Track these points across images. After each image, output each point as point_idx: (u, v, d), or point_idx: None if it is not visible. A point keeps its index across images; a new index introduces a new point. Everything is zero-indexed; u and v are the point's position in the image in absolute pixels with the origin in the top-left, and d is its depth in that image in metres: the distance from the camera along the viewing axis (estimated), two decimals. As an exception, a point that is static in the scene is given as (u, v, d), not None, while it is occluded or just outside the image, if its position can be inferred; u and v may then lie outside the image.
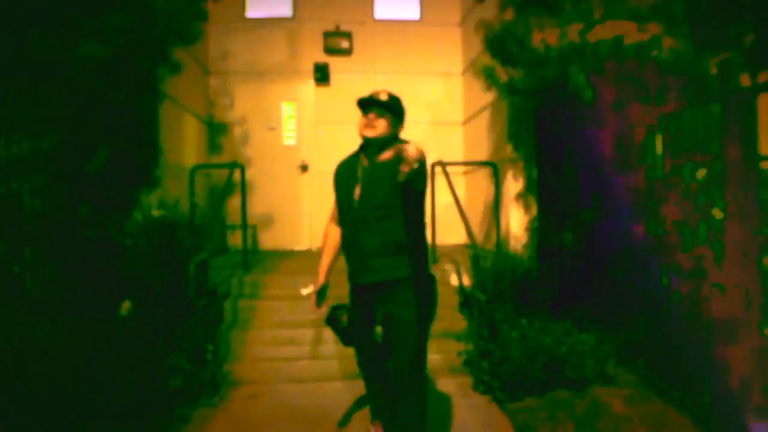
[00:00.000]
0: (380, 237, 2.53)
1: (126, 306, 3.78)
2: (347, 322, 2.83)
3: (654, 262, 3.80)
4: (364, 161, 2.62)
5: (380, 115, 2.57)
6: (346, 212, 2.67)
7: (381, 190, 2.51)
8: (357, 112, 2.64)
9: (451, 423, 3.41)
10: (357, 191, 2.58)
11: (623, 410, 3.50)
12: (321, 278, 2.79)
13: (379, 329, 2.60)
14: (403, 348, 2.55)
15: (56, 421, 3.05)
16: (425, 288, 2.64)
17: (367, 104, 2.58)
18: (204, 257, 4.08)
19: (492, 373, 3.80)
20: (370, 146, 2.60)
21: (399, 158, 2.12)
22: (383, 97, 2.57)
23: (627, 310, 4.03)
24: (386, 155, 2.16)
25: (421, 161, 2.20)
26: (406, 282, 2.56)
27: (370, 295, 2.65)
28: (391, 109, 2.59)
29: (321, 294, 2.78)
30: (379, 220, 2.52)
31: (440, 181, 5.16)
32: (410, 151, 2.11)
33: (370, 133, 2.57)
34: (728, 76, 3.09)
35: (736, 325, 3.13)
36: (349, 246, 2.68)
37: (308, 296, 2.80)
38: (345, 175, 2.69)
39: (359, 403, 3.55)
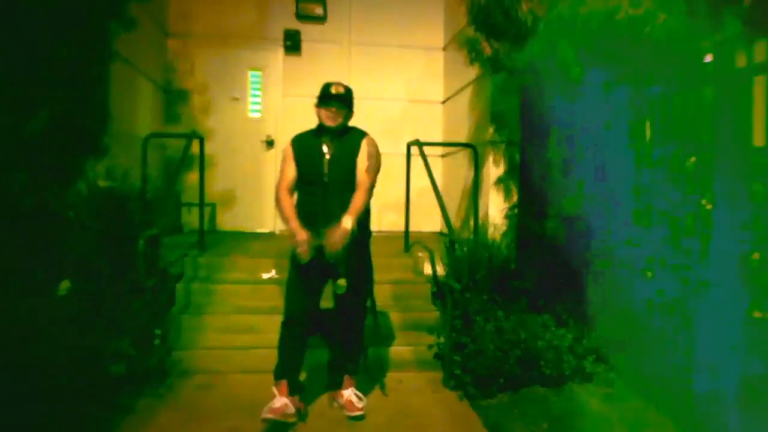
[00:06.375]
0: (345, 205, 3.22)
1: (65, 285, 3.67)
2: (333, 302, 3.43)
3: (639, 255, 3.83)
4: (328, 142, 3.31)
5: (340, 108, 3.29)
6: (314, 183, 3.31)
7: (347, 168, 3.28)
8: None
9: (419, 420, 3.41)
10: (326, 166, 3.27)
11: (601, 409, 3.53)
12: (302, 233, 3.19)
13: (341, 281, 3.20)
14: (361, 288, 3.45)
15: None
16: (368, 243, 3.52)
17: (330, 99, 3.26)
18: (155, 233, 3.97)
19: (464, 367, 3.81)
20: (329, 131, 3.30)
21: (359, 140, 3.31)
22: (341, 90, 3.29)
23: (609, 304, 4.05)
24: (350, 141, 3.31)
25: (378, 155, 3.37)
26: (361, 242, 3.34)
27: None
28: (349, 103, 3.34)
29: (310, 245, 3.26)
30: (344, 191, 3.26)
31: (416, 163, 5.11)
32: (372, 145, 3.33)
33: (333, 124, 3.28)
34: (723, 56, 3.09)
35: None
36: (314, 212, 3.28)
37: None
38: (308, 150, 3.33)
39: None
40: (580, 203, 4.39)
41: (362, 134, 3.37)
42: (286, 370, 3.35)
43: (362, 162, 3.28)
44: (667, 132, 3.68)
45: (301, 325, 3.36)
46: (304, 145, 3.36)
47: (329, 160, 3.27)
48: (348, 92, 3.33)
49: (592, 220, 4.29)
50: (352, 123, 3.44)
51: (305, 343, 3.43)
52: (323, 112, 3.28)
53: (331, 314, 3.51)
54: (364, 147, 3.30)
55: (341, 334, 3.54)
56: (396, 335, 4.34)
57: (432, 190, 4.67)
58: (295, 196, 3.39)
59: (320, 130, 3.34)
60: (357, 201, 3.21)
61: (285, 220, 3.30)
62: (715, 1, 3.09)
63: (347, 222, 3.11)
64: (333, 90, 3.28)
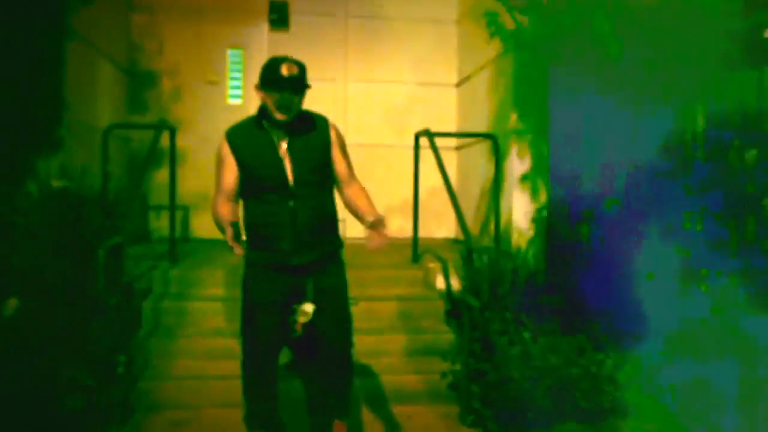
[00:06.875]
0: (317, 212, 3.04)
1: (12, 304, 3.68)
2: (300, 331, 3.05)
3: (690, 264, 3.83)
4: (283, 135, 3.01)
5: (295, 94, 2.95)
6: (274, 190, 3.00)
7: (314, 167, 3.04)
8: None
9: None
10: (288, 166, 2.98)
11: (647, 449, 3.54)
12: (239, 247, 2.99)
13: (307, 306, 2.98)
14: (343, 317, 3.19)
15: None
16: (341, 255, 3.27)
17: (283, 83, 2.90)
18: (118, 242, 3.98)
19: (484, 400, 3.81)
20: (281, 121, 2.97)
21: (325, 131, 3.07)
22: (295, 71, 2.92)
23: (655, 324, 4.05)
24: (314, 133, 3.05)
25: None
26: (335, 254, 3.18)
27: (301, 275, 3.03)
28: (305, 86, 2.98)
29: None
30: (314, 196, 3.03)
31: (426, 157, 5.14)
32: (340, 136, 3.13)
33: (287, 114, 2.95)
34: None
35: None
36: (278, 227, 3.00)
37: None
38: (257, 148, 3.03)
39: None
40: (622, 204, 4.40)
41: (325, 121, 3.13)
42: (258, 420, 3.18)
43: (339, 161, 3.12)
44: (724, 119, 3.69)
45: (267, 364, 3.15)
46: (248, 143, 3.03)
47: (291, 157, 2.99)
48: (302, 71, 2.96)
49: (635, 223, 4.30)
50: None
51: (276, 385, 3.19)
52: (271, 99, 2.93)
53: (308, 343, 3.18)
54: (335, 141, 3.11)
55: (322, 369, 3.20)
56: (403, 362, 4.33)
57: (445, 188, 4.68)
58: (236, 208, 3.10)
59: (267, 119, 3.01)
60: (368, 198, 3.09)
61: (221, 228, 3.01)
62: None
63: (377, 214, 2.95)
64: (285, 71, 2.89)
